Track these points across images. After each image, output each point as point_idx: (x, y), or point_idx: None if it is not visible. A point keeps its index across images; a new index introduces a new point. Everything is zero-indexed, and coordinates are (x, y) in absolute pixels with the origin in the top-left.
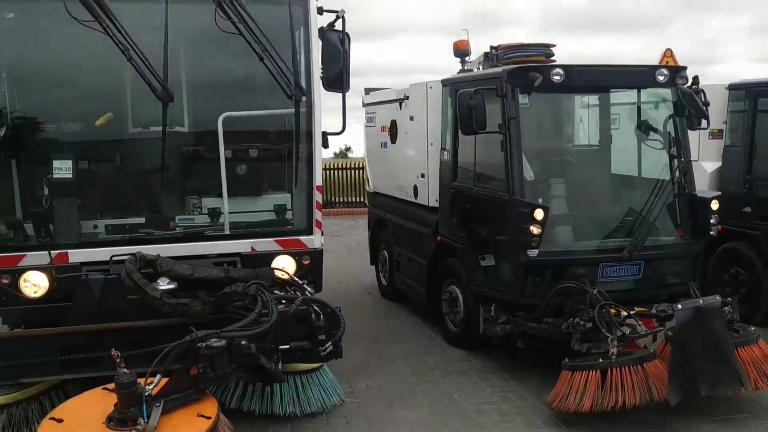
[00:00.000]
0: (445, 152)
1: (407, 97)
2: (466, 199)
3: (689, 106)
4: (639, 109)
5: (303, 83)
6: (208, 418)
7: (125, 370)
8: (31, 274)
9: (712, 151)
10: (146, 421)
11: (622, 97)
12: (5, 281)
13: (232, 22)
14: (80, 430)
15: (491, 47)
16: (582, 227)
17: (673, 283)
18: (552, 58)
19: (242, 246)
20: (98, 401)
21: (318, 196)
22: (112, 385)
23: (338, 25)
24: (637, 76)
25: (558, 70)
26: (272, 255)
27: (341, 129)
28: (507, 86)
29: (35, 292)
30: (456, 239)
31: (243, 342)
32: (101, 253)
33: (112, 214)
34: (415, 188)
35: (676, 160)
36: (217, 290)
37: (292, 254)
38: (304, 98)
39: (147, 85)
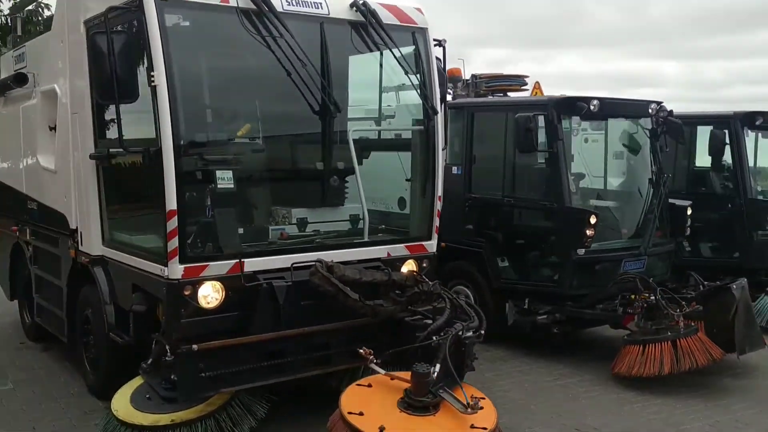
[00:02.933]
0: (454, 167)
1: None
2: (488, 208)
3: (673, 133)
4: (632, 134)
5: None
6: (483, 398)
7: (375, 365)
8: (210, 284)
9: None
10: (469, 402)
11: (622, 125)
12: (187, 293)
13: (376, 48)
14: (386, 417)
15: (473, 75)
16: (605, 230)
17: (657, 274)
18: (524, 87)
19: (381, 252)
20: (366, 395)
21: (439, 205)
22: (365, 381)
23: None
24: (639, 108)
25: (595, 101)
26: (404, 259)
27: (445, 145)
28: (553, 112)
29: (208, 303)
30: (470, 244)
31: (481, 332)
32: (272, 261)
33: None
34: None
35: (657, 175)
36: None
37: (416, 258)
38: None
39: (309, 98)
